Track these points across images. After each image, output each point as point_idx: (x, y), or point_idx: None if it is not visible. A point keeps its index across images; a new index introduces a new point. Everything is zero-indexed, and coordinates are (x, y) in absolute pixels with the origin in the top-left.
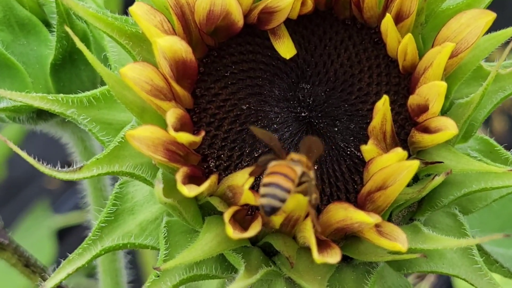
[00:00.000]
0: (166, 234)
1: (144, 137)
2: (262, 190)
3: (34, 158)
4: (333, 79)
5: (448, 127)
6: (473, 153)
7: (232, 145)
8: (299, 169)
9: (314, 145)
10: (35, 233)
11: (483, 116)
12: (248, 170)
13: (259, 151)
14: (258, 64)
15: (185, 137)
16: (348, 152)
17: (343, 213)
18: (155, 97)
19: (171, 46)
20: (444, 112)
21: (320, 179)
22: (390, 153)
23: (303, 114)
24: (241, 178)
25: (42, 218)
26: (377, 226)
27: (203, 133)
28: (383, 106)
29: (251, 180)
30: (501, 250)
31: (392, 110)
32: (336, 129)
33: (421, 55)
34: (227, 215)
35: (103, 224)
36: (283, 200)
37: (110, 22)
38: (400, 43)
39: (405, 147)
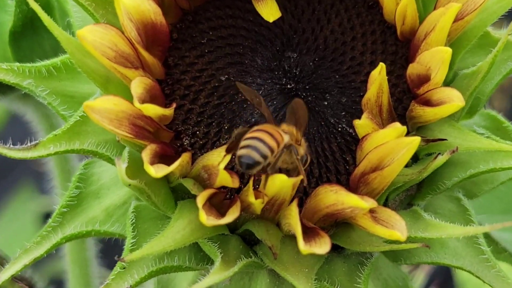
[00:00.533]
0: (134, 221)
1: (106, 109)
2: (242, 142)
3: (19, 140)
4: (322, 47)
5: (453, 99)
6: (479, 130)
7: (209, 121)
8: (286, 137)
9: (300, 111)
10: (21, 217)
11: (491, 88)
12: (225, 147)
13: (240, 127)
14: (238, 30)
15: (152, 110)
16: (339, 129)
17: (334, 197)
18: (119, 65)
19: (137, 5)
20: (446, 84)
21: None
22: (387, 128)
23: (289, 86)
24: (217, 157)
25: (28, 201)
26: (372, 211)
27: (174, 106)
28: (379, 75)
29: (228, 158)
30: (506, 236)
31: (388, 81)
32: (326, 103)
33: (421, 20)
34: (200, 198)
35: (64, 209)
36: (264, 156)
37: None
38: (398, 5)
39: (403, 123)
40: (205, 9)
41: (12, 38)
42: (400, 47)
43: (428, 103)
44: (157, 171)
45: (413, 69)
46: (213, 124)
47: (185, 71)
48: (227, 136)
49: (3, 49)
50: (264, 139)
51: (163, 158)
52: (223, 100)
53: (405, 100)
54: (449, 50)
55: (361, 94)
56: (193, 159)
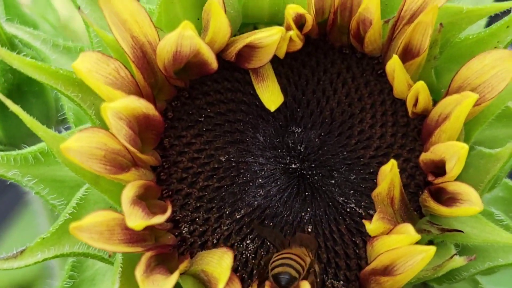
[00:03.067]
0: None
1: (96, 223)
2: (276, 262)
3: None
4: (329, 121)
5: (472, 200)
6: (498, 214)
7: (209, 206)
8: (308, 259)
9: (307, 241)
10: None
11: (510, 165)
12: (224, 254)
13: (241, 212)
14: (238, 105)
15: (145, 224)
16: (348, 209)
17: None
18: (110, 164)
19: (127, 105)
20: None
21: None
22: (399, 234)
23: (293, 166)
24: (217, 266)
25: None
26: None
27: (169, 212)
28: (390, 172)
29: (228, 274)
30: None
31: (400, 156)
32: (333, 181)
33: (433, 90)
34: None
35: None
36: (299, 272)
37: (54, 71)
38: (410, 88)
39: (415, 201)
40: (202, 82)
41: None
42: (412, 119)
43: (441, 192)
44: None
45: (426, 156)
46: (214, 209)
47: (182, 152)
48: (229, 222)
49: None
50: (295, 258)
51: (161, 256)
52: (223, 183)
53: (417, 176)
54: (465, 148)
55: (371, 170)
56: (192, 248)
